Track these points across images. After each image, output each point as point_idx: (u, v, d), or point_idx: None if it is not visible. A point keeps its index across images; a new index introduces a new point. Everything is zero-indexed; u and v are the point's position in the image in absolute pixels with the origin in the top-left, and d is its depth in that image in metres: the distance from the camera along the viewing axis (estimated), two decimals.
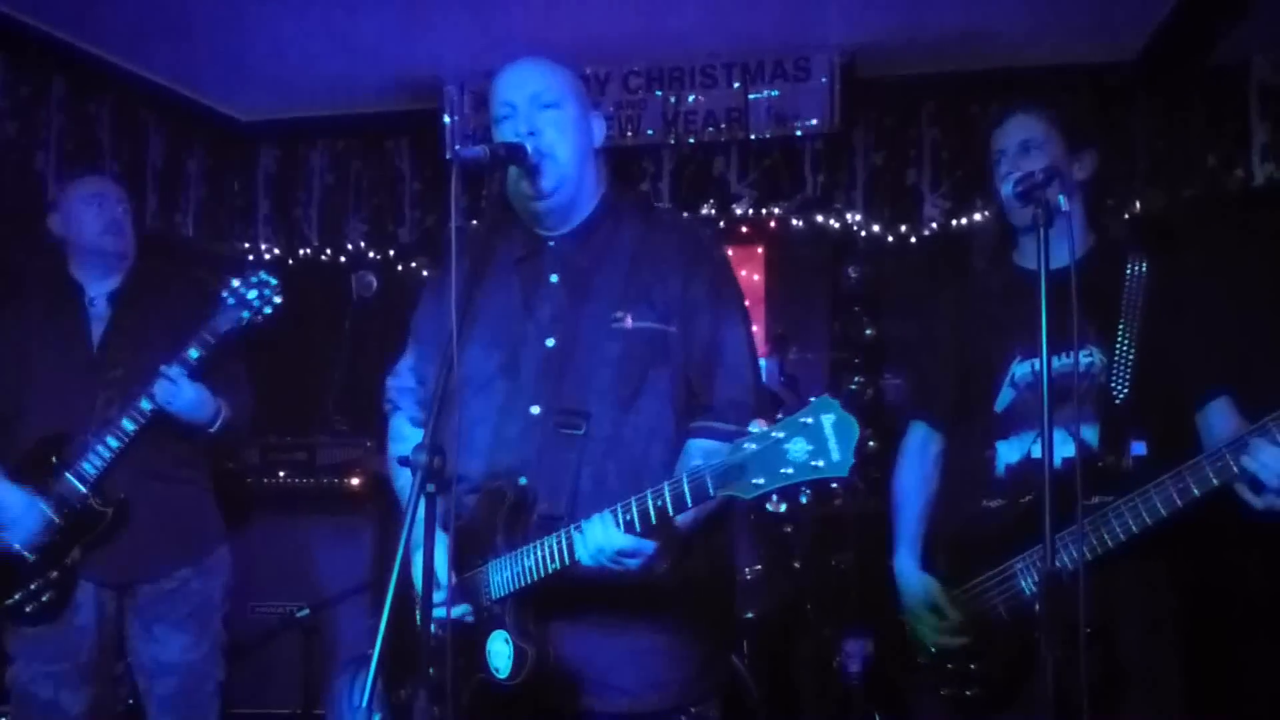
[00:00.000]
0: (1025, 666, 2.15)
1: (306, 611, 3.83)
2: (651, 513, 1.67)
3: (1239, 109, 4.15)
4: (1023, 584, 2.20)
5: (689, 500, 1.63)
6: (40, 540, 2.85)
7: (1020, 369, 2.30)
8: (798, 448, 1.50)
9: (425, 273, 5.08)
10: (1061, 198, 1.89)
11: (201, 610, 3.05)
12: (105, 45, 4.27)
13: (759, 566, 3.44)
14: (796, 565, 3.63)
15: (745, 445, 1.54)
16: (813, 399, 1.52)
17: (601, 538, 1.71)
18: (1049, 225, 1.87)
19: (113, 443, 2.85)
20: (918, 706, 2.39)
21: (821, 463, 1.49)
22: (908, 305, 4.71)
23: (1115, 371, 2.21)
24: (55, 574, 2.88)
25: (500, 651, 1.85)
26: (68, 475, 2.85)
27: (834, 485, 1.44)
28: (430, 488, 1.65)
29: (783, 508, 1.71)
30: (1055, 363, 2.19)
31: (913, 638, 2.36)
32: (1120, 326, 2.22)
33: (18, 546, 2.85)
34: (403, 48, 4.35)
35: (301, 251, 5.25)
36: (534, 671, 1.83)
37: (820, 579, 3.72)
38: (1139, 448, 2.17)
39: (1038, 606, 1.84)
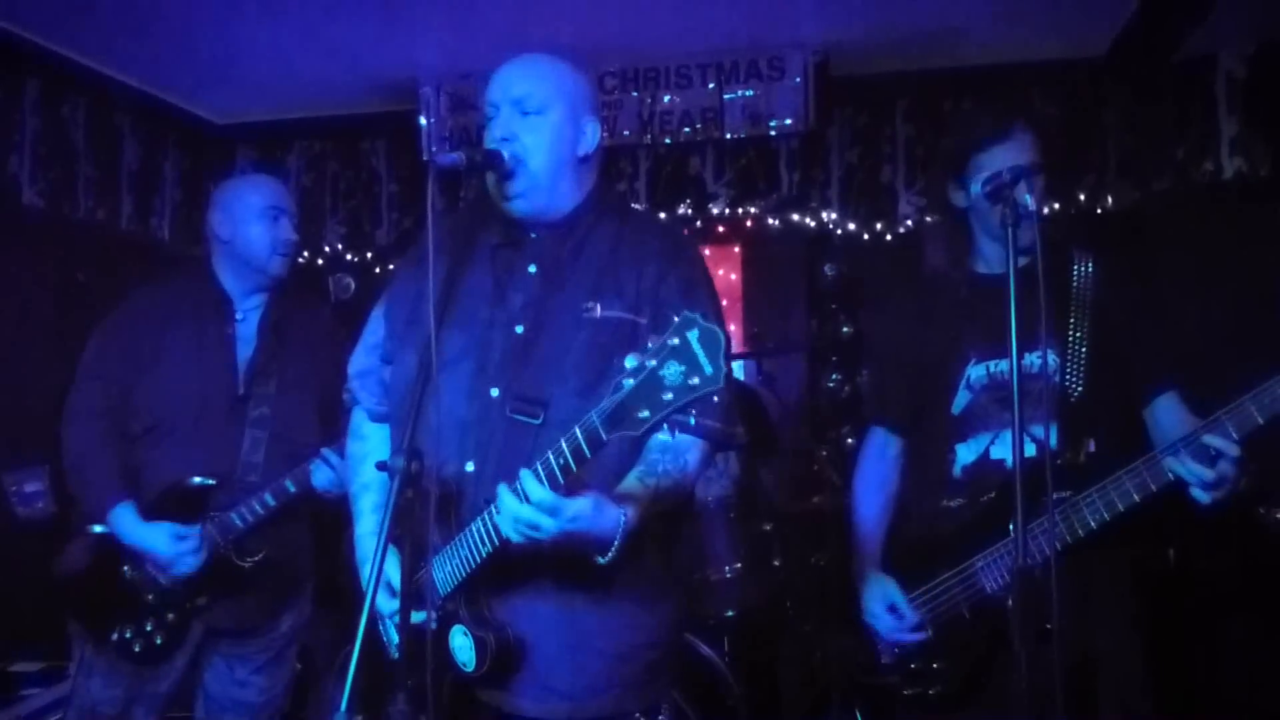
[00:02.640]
0: (989, 663, 2.19)
1: None
2: (556, 470, 1.67)
3: (1207, 103, 4.20)
4: (984, 582, 2.23)
5: (586, 449, 1.63)
6: (173, 581, 2.71)
7: (975, 372, 2.32)
8: (672, 371, 1.49)
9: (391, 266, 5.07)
10: (1028, 197, 1.89)
11: (285, 649, 2.97)
12: (79, 48, 4.24)
13: (738, 564, 3.46)
14: (776, 563, 3.64)
15: (625, 382, 1.54)
16: (675, 317, 1.51)
17: (512, 505, 1.69)
18: (1016, 225, 1.88)
19: (270, 501, 2.70)
20: (886, 706, 2.41)
21: (696, 380, 1.48)
22: (882, 302, 4.74)
23: (1069, 371, 2.24)
24: (173, 617, 2.75)
25: (462, 645, 1.86)
26: (211, 524, 2.71)
27: (715, 400, 1.43)
28: (409, 494, 1.66)
29: (675, 435, 1.69)
30: (1007, 365, 2.22)
31: (875, 637, 2.40)
32: (1071, 326, 2.25)
33: (171, 582, 2.71)
34: (379, 50, 4.35)
35: None
36: (498, 657, 1.84)
37: (801, 576, 3.74)
38: (1091, 445, 2.21)
39: (1010, 601, 1.87)
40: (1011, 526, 1.80)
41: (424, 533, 1.83)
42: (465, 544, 1.85)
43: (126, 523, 2.69)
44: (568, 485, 1.69)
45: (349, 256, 5.17)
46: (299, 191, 5.19)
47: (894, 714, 2.41)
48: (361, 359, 2.20)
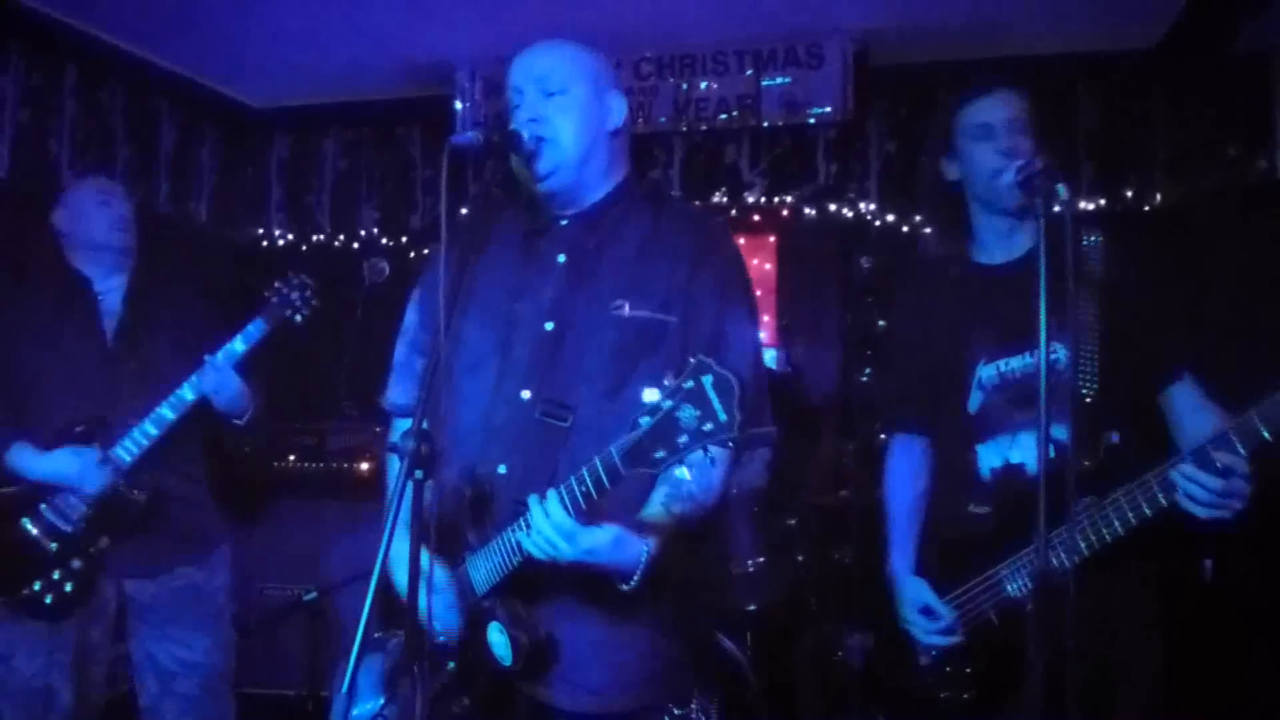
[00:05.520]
0: (1019, 670, 2.11)
1: (314, 595, 3.83)
2: (579, 497, 1.68)
3: (1261, 100, 4.08)
4: (1009, 589, 2.17)
5: (606, 481, 1.64)
6: (74, 524, 2.83)
7: (986, 371, 2.24)
8: (687, 414, 1.51)
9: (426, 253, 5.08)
10: (1061, 187, 1.82)
11: (214, 609, 3.06)
12: (118, 33, 4.29)
13: (761, 559, 3.42)
14: (799, 558, 3.60)
15: (642, 420, 1.55)
16: (690, 359, 1.52)
17: (538, 521, 1.71)
18: (1050, 217, 1.81)
19: (151, 430, 2.85)
20: (919, 710, 2.34)
21: (710, 426, 1.50)
22: (891, 299, 4.67)
23: (1080, 365, 2.15)
24: (79, 563, 2.85)
25: (499, 642, 1.86)
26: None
27: (729, 445, 1.46)
28: (419, 474, 1.64)
29: (687, 475, 1.71)
30: (1017, 363, 2.18)
31: (910, 640, 2.33)
32: (1080, 317, 2.15)
33: (71, 521, 2.82)
34: (414, 34, 4.35)
35: (314, 238, 5.28)
36: (531, 655, 1.84)
37: (823, 572, 3.70)
38: (1114, 437, 2.11)
39: (1029, 607, 1.81)
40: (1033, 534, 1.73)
41: (453, 529, 1.86)
42: (501, 549, 1.84)
43: (26, 456, 2.83)
44: (590, 511, 1.70)
45: (384, 241, 5.18)
46: (334, 176, 5.21)
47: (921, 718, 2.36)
48: (398, 351, 2.19)
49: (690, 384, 1.51)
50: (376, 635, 3.72)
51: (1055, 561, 1.94)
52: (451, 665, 1.92)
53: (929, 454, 2.44)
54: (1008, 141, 2.17)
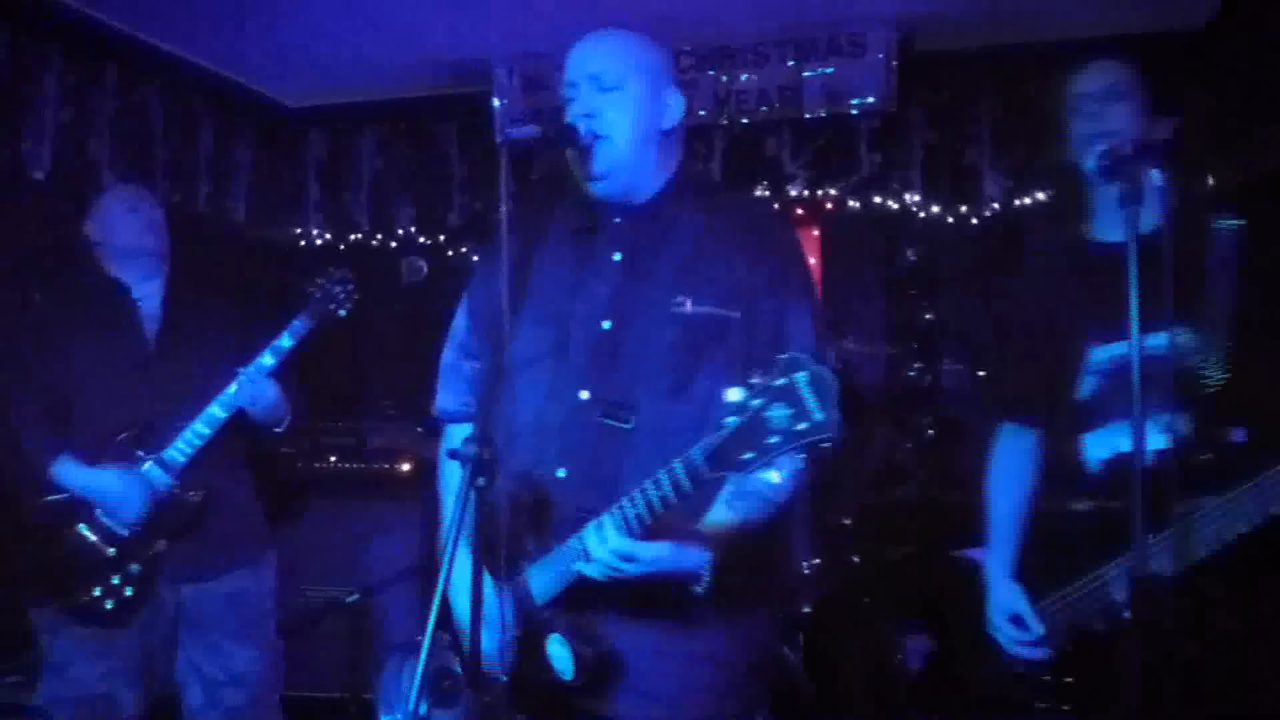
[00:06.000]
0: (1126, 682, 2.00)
1: (356, 597, 3.82)
2: (655, 502, 1.63)
3: None
4: (1115, 594, 2.04)
5: (687, 484, 1.59)
6: (130, 528, 2.82)
7: (1099, 354, 2.12)
8: (778, 413, 1.45)
9: (475, 257, 5.05)
10: (1154, 172, 1.73)
11: (260, 617, 3.05)
12: (156, 32, 4.27)
13: (816, 560, 3.35)
14: (855, 559, 3.53)
15: (727, 420, 1.49)
16: (781, 356, 1.46)
17: (595, 547, 1.68)
18: (1138, 203, 1.73)
19: (204, 429, 2.85)
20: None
21: (804, 425, 1.44)
22: (969, 289, 4.59)
23: (1205, 351, 2.02)
24: (137, 568, 2.84)
25: (560, 655, 1.80)
26: (151, 464, 2.84)
27: (825, 445, 1.39)
28: (480, 482, 1.59)
29: (783, 475, 1.67)
30: (1141, 344, 2.05)
31: (995, 646, 2.24)
32: (1209, 300, 2.03)
33: (127, 524, 2.81)
34: (451, 31, 4.31)
35: (351, 237, 5.24)
36: (595, 669, 1.79)
37: (879, 573, 3.62)
38: (1239, 434, 1.99)
39: (1128, 615, 1.71)
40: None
41: (511, 536, 1.81)
42: (562, 558, 1.79)
43: (73, 472, 2.81)
44: (657, 522, 1.65)
45: (421, 239, 5.15)
46: (371, 174, 5.18)
47: None
48: (447, 355, 2.14)
49: (782, 381, 1.44)
50: (419, 639, 3.67)
51: (1163, 564, 1.83)
52: (505, 679, 1.86)
53: (1038, 450, 2.31)
54: (1098, 111, 2.09)
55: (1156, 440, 1.88)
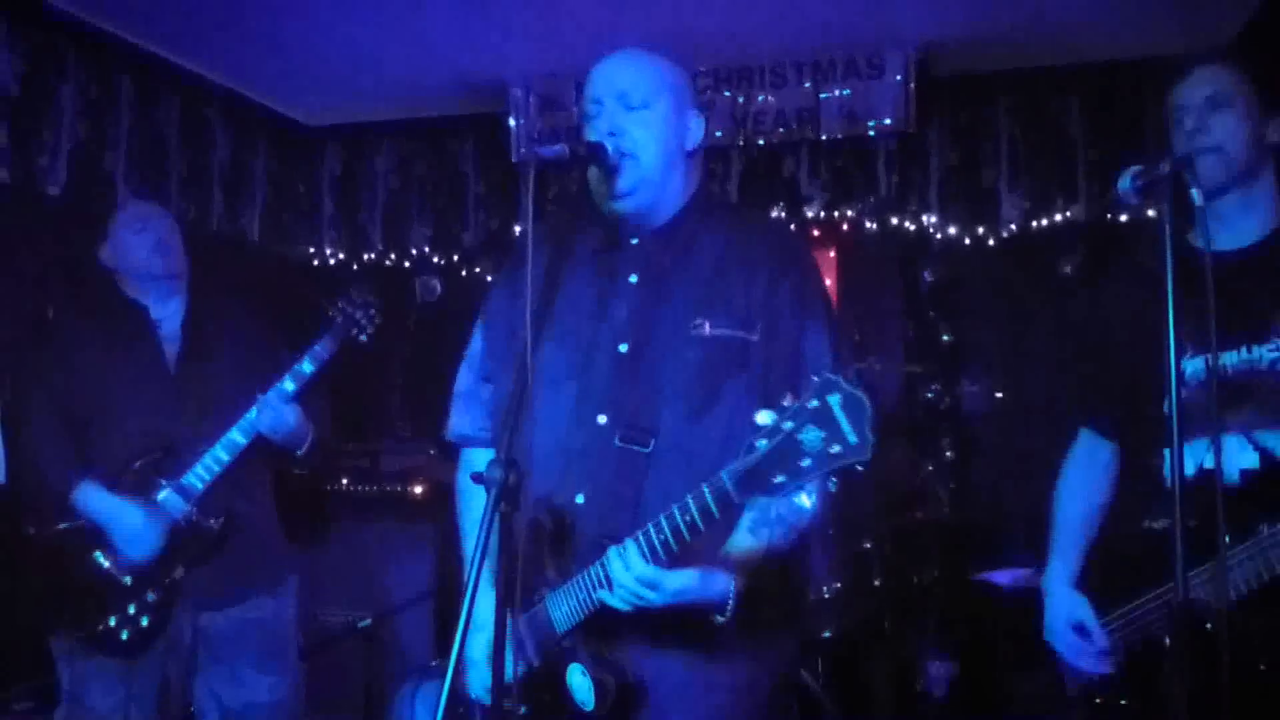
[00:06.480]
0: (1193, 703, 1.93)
1: (369, 622, 3.78)
2: (682, 527, 1.60)
3: None
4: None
5: (715, 510, 1.56)
6: (148, 560, 2.77)
7: (1190, 365, 2.02)
8: (811, 436, 1.41)
9: (489, 278, 5.03)
10: (1196, 192, 1.68)
11: (281, 644, 3.00)
12: (172, 47, 4.28)
13: (838, 584, 3.31)
14: (876, 583, 3.48)
15: (759, 443, 1.46)
16: (814, 378, 1.43)
17: (619, 574, 1.64)
18: (1174, 223, 1.68)
19: (224, 456, 2.81)
20: None
21: (838, 448, 1.40)
22: (990, 309, 4.55)
23: None
24: (154, 596, 2.79)
25: (580, 685, 1.76)
26: (170, 490, 2.79)
27: (859, 469, 1.36)
28: (505, 508, 1.56)
29: (812, 499, 1.64)
30: (1234, 358, 1.97)
31: (1059, 666, 2.16)
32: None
33: (136, 563, 2.77)
34: (468, 50, 4.31)
35: (365, 255, 5.23)
36: (618, 700, 1.75)
37: (901, 596, 3.57)
38: None
39: (1166, 641, 1.66)
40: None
41: (530, 563, 1.77)
42: (582, 586, 1.76)
43: (94, 496, 2.77)
44: (683, 550, 1.62)
45: (436, 258, 5.12)
46: (386, 193, 5.18)
47: None
48: (463, 378, 2.11)
49: (815, 403, 1.41)
50: (434, 663, 3.64)
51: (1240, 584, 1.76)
52: (524, 710, 1.83)
53: (1115, 464, 2.25)
54: (1200, 123, 2.00)
55: (1248, 457, 1.84)
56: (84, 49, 3.97)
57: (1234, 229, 2.05)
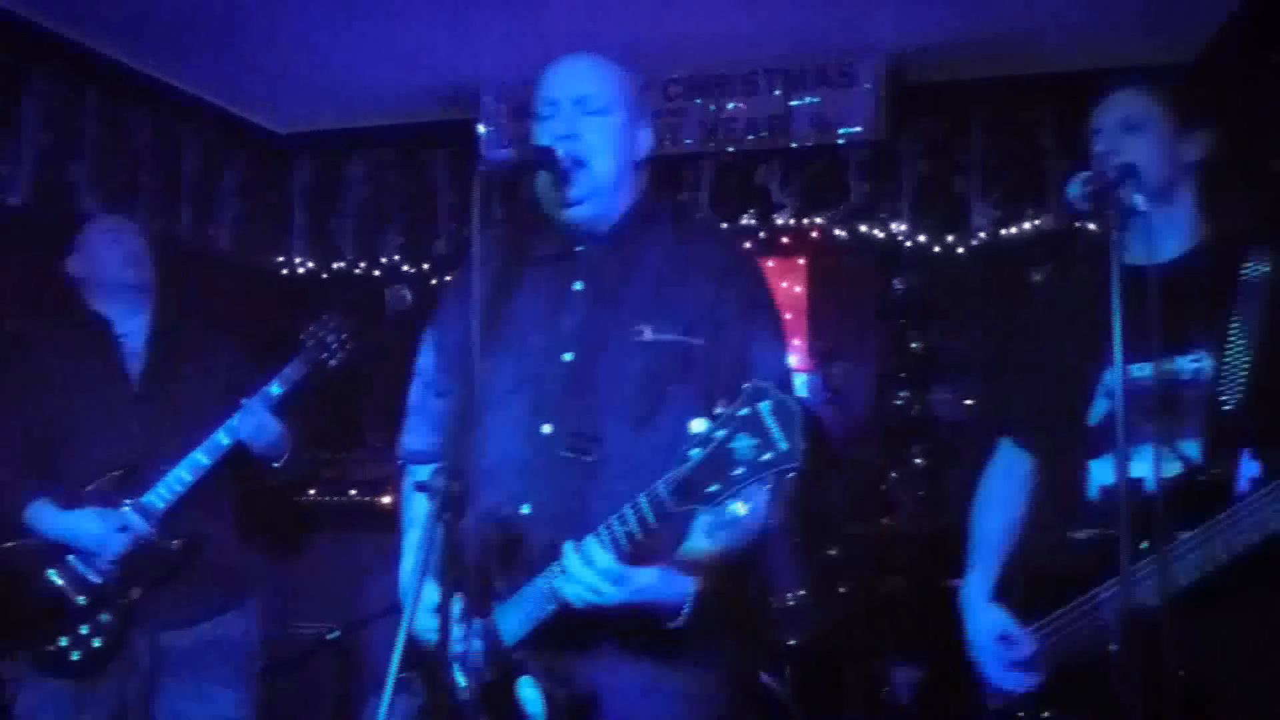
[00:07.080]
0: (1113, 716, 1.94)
1: (337, 634, 3.74)
2: (621, 538, 1.60)
3: None
4: (1105, 616, 1.95)
5: (652, 520, 1.56)
6: (104, 575, 2.73)
7: (1113, 376, 1.98)
8: (742, 444, 1.42)
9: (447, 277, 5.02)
10: (1138, 197, 1.70)
11: (245, 661, 2.97)
12: (140, 56, 4.26)
13: (802, 591, 3.30)
14: (842, 590, 3.48)
15: (691, 453, 1.46)
16: (744, 385, 1.43)
17: (576, 569, 1.62)
18: (1124, 229, 1.70)
19: (186, 476, 2.76)
20: None
21: (770, 455, 1.41)
22: (960, 316, 4.56)
23: (1224, 379, 1.95)
24: (108, 617, 2.73)
25: (531, 698, 1.74)
26: (130, 509, 2.74)
27: (789, 476, 1.37)
28: (447, 516, 1.54)
29: (743, 509, 1.63)
30: (1157, 369, 1.98)
31: (980, 678, 2.15)
32: (1233, 328, 1.97)
33: (99, 576, 2.73)
34: (440, 58, 4.31)
35: (335, 265, 5.20)
36: (569, 712, 1.73)
37: (868, 604, 3.57)
38: (1253, 468, 1.91)
39: (1111, 647, 1.66)
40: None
41: (479, 575, 1.75)
42: (531, 597, 1.74)
43: (47, 516, 2.72)
44: (637, 551, 1.61)
45: (406, 268, 5.11)
46: (357, 202, 5.16)
47: None
48: (413, 393, 2.08)
49: (745, 411, 1.41)
50: (402, 676, 3.60)
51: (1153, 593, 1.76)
52: None
53: (1033, 478, 2.26)
54: (1110, 144, 2.06)
55: (1169, 466, 1.85)
56: (48, 57, 3.94)
57: (1154, 245, 2.07)
